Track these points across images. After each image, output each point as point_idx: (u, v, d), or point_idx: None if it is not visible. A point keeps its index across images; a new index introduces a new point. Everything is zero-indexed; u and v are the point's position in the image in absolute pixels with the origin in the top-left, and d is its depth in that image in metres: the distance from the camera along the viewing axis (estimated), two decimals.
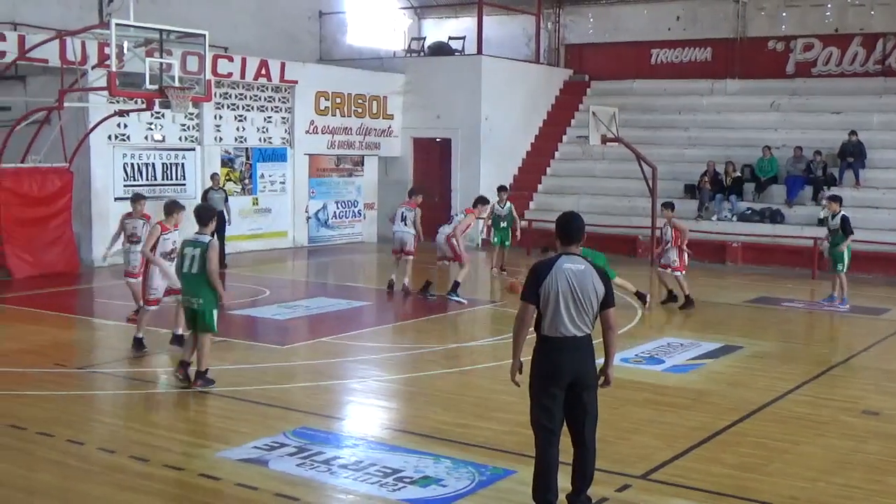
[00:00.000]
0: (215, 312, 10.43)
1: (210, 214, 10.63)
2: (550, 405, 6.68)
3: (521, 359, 6.86)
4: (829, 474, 7.95)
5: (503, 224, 20.00)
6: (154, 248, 11.80)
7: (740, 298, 16.56)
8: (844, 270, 16.37)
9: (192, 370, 10.38)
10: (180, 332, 11.86)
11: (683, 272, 15.79)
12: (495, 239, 20.25)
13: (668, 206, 16.30)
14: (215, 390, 10.23)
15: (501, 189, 20.65)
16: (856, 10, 25.69)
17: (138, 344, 12.01)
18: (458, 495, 7.28)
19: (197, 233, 10.39)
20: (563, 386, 6.66)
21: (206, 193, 20.40)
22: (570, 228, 6.82)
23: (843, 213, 16.44)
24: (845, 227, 16.21)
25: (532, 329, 6.80)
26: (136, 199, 13.98)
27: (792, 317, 16.02)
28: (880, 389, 11.00)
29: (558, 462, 6.76)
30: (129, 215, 13.75)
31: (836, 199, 16.72)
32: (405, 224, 16.82)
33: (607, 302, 6.73)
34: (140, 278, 12.61)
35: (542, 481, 6.71)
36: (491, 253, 21.14)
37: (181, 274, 10.44)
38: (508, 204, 20.16)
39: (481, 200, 17.23)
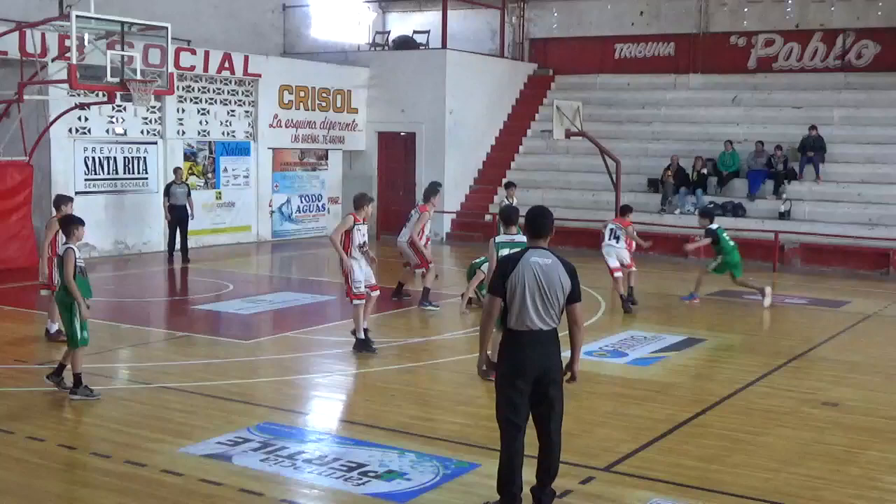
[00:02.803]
0: None
1: (515, 212, 10.60)
2: (516, 399, 6.67)
3: (488, 352, 6.87)
4: (791, 465, 8.04)
5: None
6: (348, 242, 11.55)
7: (703, 291, 16.68)
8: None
9: None
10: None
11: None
12: None
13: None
14: (176, 385, 10.16)
15: (510, 185, 20.07)
16: (816, 6, 25.95)
17: (364, 345, 11.76)
18: (422, 489, 7.28)
19: (505, 233, 10.48)
20: (530, 380, 6.64)
21: (168, 187, 20.28)
22: (538, 222, 6.81)
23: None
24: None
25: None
26: (67, 200, 12.13)
27: (753, 310, 16.15)
28: (840, 381, 11.13)
29: (523, 455, 6.77)
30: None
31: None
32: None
33: (573, 297, 6.71)
34: None
35: (507, 474, 6.72)
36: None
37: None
38: (515, 199, 19.85)
39: (432, 190, 15.72)
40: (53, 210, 12.14)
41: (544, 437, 6.82)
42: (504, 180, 22.15)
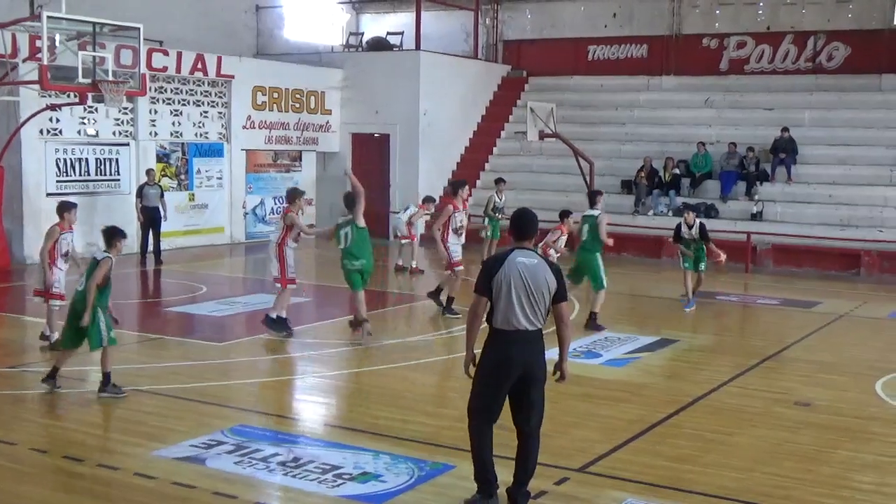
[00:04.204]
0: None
1: (352, 200, 12.56)
2: (495, 394, 6.77)
3: (475, 351, 6.91)
4: (763, 464, 8.10)
5: (500, 216, 19.96)
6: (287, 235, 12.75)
7: (676, 292, 16.77)
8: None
9: None
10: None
11: None
12: (489, 232, 20.02)
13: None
14: (149, 388, 10.10)
15: (500, 181, 20.41)
16: (787, 8, 26.16)
17: (282, 324, 12.79)
18: (397, 491, 7.28)
19: (344, 216, 12.64)
20: (513, 378, 6.73)
21: (141, 189, 20.15)
22: (523, 224, 6.97)
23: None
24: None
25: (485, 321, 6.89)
26: (70, 207, 11.88)
27: (726, 310, 16.27)
28: (811, 381, 11.23)
29: (492, 446, 6.84)
30: (61, 227, 11.61)
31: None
32: (404, 213, 19.03)
33: (559, 296, 6.82)
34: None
35: (479, 463, 6.83)
36: (483, 246, 20.01)
37: (343, 248, 12.56)
38: (504, 196, 20.07)
39: (460, 184, 15.57)
40: (56, 217, 11.77)
41: (524, 436, 6.89)
42: (495, 177, 22.27)
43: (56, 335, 11.59)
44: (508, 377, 6.72)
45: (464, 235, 15.12)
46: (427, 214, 19.46)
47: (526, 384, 6.76)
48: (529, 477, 6.94)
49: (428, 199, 19.81)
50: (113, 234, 9.92)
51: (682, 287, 16.12)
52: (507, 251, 6.87)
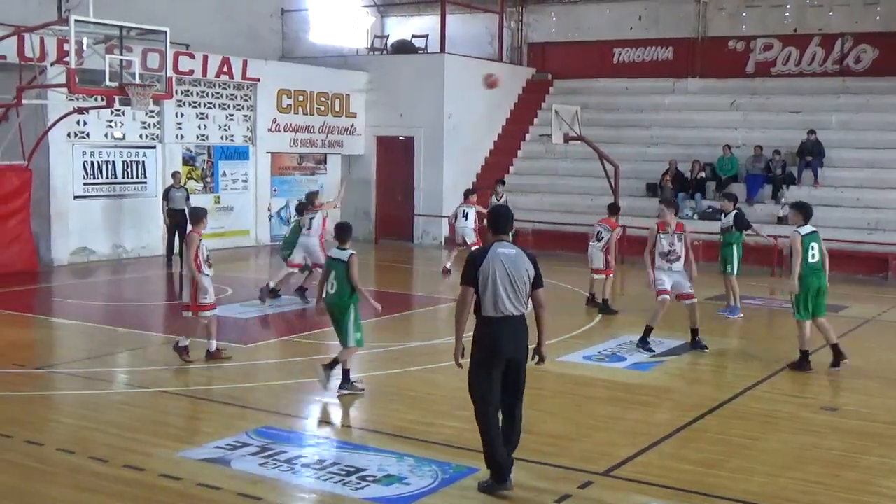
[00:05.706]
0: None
1: (302, 208, 15.78)
2: (491, 379, 7.24)
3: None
4: (789, 469, 8.03)
5: None
6: None
7: (701, 296, 16.60)
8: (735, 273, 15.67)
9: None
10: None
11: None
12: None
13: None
14: (175, 389, 10.15)
15: (499, 182, 20.70)
16: (814, 10, 25.99)
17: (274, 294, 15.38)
18: (421, 493, 7.28)
19: (312, 209, 15.43)
20: (503, 361, 7.22)
21: (167, 192, 20.27)
22: (500, 220, 7.57)
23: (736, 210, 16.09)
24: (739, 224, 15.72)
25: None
26: (205, 213, 12.04)
27: (752, 314, 16.14)
28: (838, 386, 11.14)
29: (499, 427, 7.28)
30: (198, 233, 11.67)
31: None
32: (466, 220, 19.18)
33: (538, 282, 7.37)
34: None
35: (489, 447, 7.24)
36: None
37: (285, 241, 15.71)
38: (505, 197, 20.23)
39: (671, 204, 14.00)
40: (189, 225, 11.85)
41: (509, 415, 7.36)
42: (517, 181, 22.40)
43: (214, 343, 11.53)
44: (499, 360, 7.21)
45: (672, 262, 13.05)
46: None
47: (513, 366, 7.26)
48: (513, 450, 7.34)
49: (469, 192, 19.94)
50: (345, 231, 10.32)
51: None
52: (489, 245, 7.38)
